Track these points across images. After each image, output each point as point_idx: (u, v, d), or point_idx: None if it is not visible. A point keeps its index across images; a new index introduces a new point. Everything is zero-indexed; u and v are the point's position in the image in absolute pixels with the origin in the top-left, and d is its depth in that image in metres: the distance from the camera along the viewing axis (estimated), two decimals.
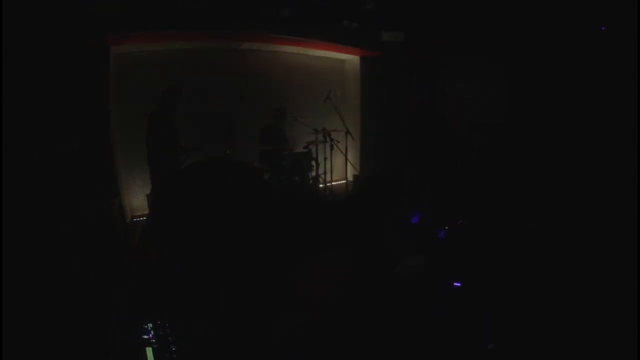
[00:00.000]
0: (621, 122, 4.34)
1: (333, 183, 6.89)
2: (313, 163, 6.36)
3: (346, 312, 3.23)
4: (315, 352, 2.82)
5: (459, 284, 3.29)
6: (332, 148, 6.25)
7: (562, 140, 4.95)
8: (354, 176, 7.50)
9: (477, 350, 2.65)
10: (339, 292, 3.57)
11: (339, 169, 7.69)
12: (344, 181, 7.98)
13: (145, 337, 2.58)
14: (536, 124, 5.25)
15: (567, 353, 2.56)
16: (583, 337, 2.63)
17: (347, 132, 6.27)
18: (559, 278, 3.32)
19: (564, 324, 2.76)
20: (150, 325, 2.68)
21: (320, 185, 6.76)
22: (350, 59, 7.76)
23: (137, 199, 5.94)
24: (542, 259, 3.61)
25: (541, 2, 4.82)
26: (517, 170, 5.37)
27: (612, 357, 2.49)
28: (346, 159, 6.57)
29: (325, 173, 6.62)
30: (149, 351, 2.51)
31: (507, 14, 4.97)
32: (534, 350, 2.59)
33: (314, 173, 6.46)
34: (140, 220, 5.76)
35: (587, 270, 3.39)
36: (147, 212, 5.30)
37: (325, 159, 6.46)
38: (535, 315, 2.86)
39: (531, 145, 5.26)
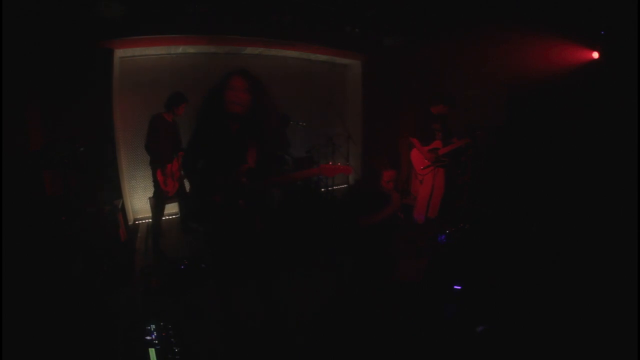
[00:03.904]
0: (621, 123, 4.36)
1: (335, 187, 6.91)
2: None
3: (346, 316, 3.24)
4: (316, 354, 2.83)
5: (459, 287, 3.30)
6: (333, 152, 6.27)
7: (562, 143, 4.97)
8: (356, 180, 7.51)
9: (475, 350, 2.66)
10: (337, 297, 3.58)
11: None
12: (345, 185, 7.99)
13: (148, 338, 2.59)
14: (537, 127, 5.27)
15: (567, 354, 2.56)
16: (583, 338, 2.64)
17: (349, 136, 6.30)
18: (559, 280, 3.33)
19: (564, 325, 2.77)
20: (153, 326, 2.69)
21: (322, 189, 6.78)
22: (352, 63, 7.78)
23: (139, 202, 5.96)
24: (543, 261, 3.62)
25: (541, 4, 4.85)
26: (518, 174, 5.39)
27: (612, 357, 2.50)
28: (347, 163, 6.58)
29: (327, 177, 6.64)
30: (152, 352, 2.52)
31: (508, 17, 4.99)
32: (535, 350, 2.60)
33: (315, 177, 6.48)
34: (142, 222, 5.79)
35: (587, 272, 3.40)
36: (149, 214, 5.31)
37: (327, 163, 6.47)
38: (536, 317, 2.87)
39: (532, 149, 5.28)
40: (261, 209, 2.76)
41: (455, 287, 3.30)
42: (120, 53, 5.33)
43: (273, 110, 2.75)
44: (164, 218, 4.81)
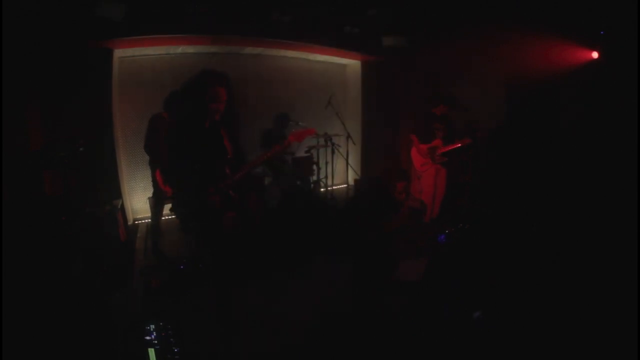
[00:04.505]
0: (621, 123, 4.36)
1: (334, 187, 6.91)
2: (314, 167, 6.39)
3: (348, 316, 3.24)
4: (316, 354, 2.83)
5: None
6: (333, 152, 6.27)
7: (562, 143, 4.97)
8: (355, 180, 7.52)
9: (475, 350, 2.66)
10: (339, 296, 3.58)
11: (340, 173, 7.70)
12: (345, 185, 8.00)
13: (148, 338, 2.59)
14: (537, 127, 5.27)
15: (567, 354, 2.56)
16: (583, 338, 2.64)
17: (348, 136, 6.29)
18: (559, 280, 3.33)
19: (564, 325, 2.77)
20: (152, 326, 2.68)
21: (322, 189, 6.78)
22: (351, 63, 7.79)
23: (139, 202, 5.95)
24: (543, 261, 3.62)
25: (541, 4, 4.86)
26: (518, 173, 5.39)
27: (612, 357, 2.50)
28: (347, 163, 6.59)
29: (326, 177, 6.64)
30: (151, 352, 2.52)
31: (508, 17, 5.00)
32: (535, 350, 2.60)
33: (315, 177, 6.48)
34: (142, 222, 5.78)
35: (587, 272, 3.40)
36: (148, 214, 5.31)
37: (326, 163, 6.48)
38: (536, 317, 2.87)
39: (532, 149, 5.28)
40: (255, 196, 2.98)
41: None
42: (119, 53, 5.32)
43: (236, 102, 3.01)
44: (163, 218, 4.80)
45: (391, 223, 3.96)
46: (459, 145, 5.16)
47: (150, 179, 4.58)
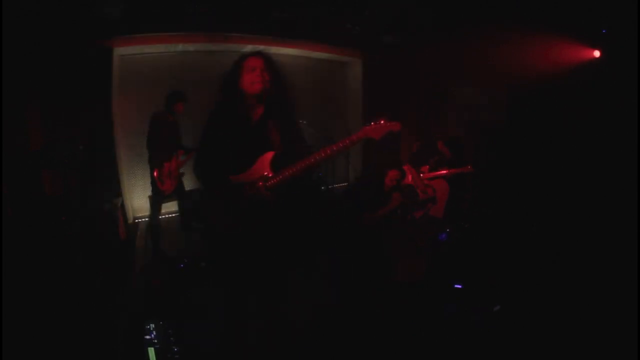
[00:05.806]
0: (622, 122, 4.35)
1: (335, 185, 6.90)
2: None
3: (346, 316, 3.25)
4: (316, 354, 2.83)
5: (460, 286, 3.31)
6: None
7: (563, 143, 4.97)
8: (355, 178, 7.51)
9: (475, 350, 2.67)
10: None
11: (340, 171, 7.69)
12: (345, 183, 7.98)
13: (148, 337, 2.59)
14: (537, 127, 5.27)
15: (567, 354, 2.57)
16: (583, 338, 2.64)
17: (350, 134, 6.28)
18: (559, 280, 3.33)
19: (564, 325, 2.78)
20: (152, 325, 2.69)
21: (322, 188, 6.77)
22: (352, 61, 7.78)
23: (139, 200, 5.95)
24: (543, 261, 3.63)
25: (541, 4, 4.85)
26: (518, 174, 5.39)
27: (612, 357, 2.51)
28: (348, 162, 6.58)
29: (326, 175, 6.63)
30: (151, 351, 2.52)
31: (508, 17, 4.99)
32: (535, 350, 2.60)
33: (315, 175, 6.47)
34: (142, 221, 5.78)
35: (587, 272, 3.40)
36: (149, 213, 5.31)
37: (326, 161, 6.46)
38: (536, 317, 2.87)
39: (532, 149, 5.28)
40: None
41: (456, 286, 3.31)
42: (119, 51, 5.31)
43: (291, 87, 2.62)
44: (165, 216, 4.79)
45: (375, 214, 3.92)
46: (445, 173, 5.14)
47: (149, 177, 4.58)
